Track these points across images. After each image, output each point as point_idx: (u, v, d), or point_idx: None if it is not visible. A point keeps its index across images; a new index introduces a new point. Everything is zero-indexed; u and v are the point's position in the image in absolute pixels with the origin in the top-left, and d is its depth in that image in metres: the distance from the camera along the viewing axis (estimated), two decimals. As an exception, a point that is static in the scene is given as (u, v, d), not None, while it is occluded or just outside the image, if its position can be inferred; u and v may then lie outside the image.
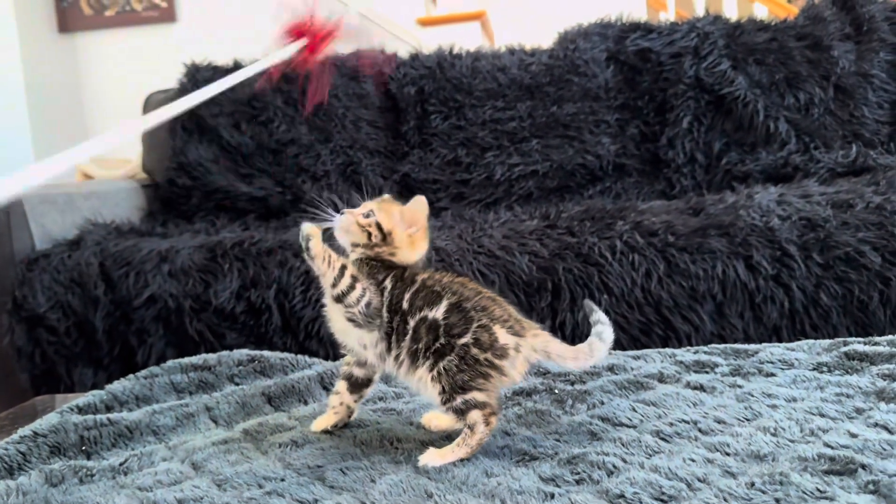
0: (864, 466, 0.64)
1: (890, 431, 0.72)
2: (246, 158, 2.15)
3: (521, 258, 1.55)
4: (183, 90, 2.23)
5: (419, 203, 0.81)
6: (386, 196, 0.84)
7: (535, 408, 0.86)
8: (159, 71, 3.26)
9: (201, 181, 2.15)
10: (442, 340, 0.73)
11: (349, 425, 0.85)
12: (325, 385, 1.00)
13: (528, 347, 0.74)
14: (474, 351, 0.72)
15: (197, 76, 2.25)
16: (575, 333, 1.51)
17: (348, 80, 2.20)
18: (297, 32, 0.82)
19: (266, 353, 1.09)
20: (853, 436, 0.72)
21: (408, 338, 0.75)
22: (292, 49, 0.81)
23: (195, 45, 3.53)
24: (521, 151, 2.18)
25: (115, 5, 3.66)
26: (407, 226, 0.81)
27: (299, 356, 1.10)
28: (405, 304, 0.76)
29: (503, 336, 0.73)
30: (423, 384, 0.75)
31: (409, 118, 2.19)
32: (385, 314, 0.77)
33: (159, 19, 3.64)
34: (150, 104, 2.34)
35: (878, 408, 0.78)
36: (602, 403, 0.86)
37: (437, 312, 0.74)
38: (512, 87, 2.23)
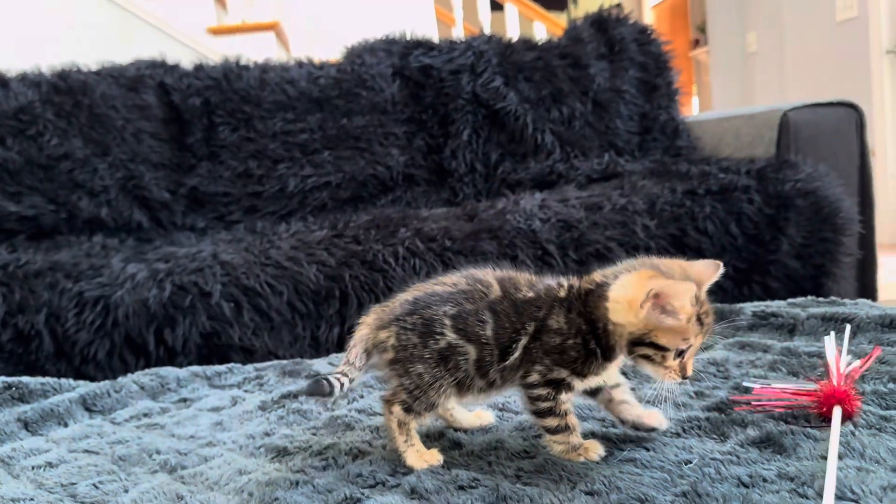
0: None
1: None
2: (13, 175, 1.99)
3: (308, 268, 1.59)
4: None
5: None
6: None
7: (299, 408, 0.91)
8: None
9: (-39, 202, 1.97)
10: None
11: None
12: (88, 406, 0.98)
13: None
14: None
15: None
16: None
17: (127, 90, 2.12)
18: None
19: (25, 378, 1.05)
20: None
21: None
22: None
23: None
24: (313, 163, 2.22)
25: None
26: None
27: (63, 380, 1.07)
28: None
29: None
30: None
31: (194, 130, 2.15)
32: None
33: None
34: None
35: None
36: (362, 397, 0.93)
37: None
38: (301, 99, 2.26)
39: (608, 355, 0.70)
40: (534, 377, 0.71)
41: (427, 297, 0.73)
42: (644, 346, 0.68)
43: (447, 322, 0.71)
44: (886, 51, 3.79)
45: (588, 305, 0.70)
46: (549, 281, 0.74)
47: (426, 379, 0.71)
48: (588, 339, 0.70)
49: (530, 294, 0.72)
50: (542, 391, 0.71)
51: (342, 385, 0.74)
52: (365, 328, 0.76)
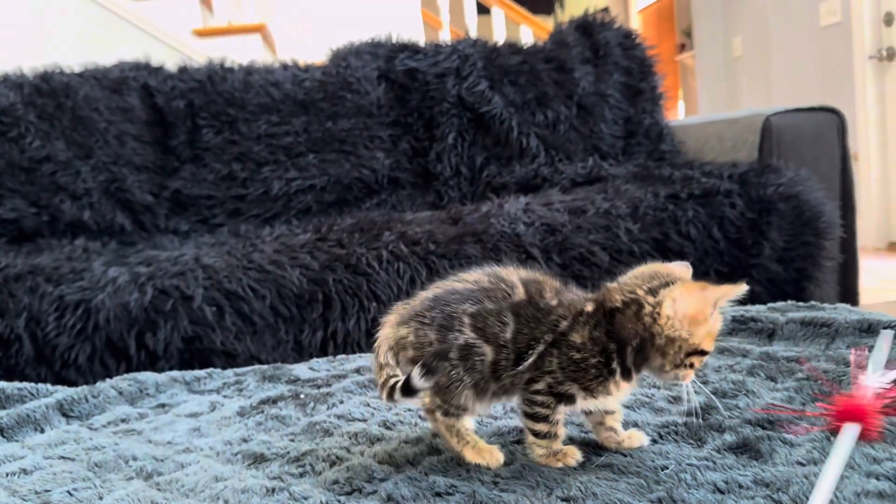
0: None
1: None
2: (-7, 178, 1.98)
3: (291, 271, 1.59)
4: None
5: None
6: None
7: (277, 414, 0.91)
8: None
9: (-60, 204, 1.95)
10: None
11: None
12: (65, 412, 0.97)
13: None
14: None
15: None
16: (347, 342, 1.57)
17: (110, 92, 2.11)
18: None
19: (2, 383, 1.04)
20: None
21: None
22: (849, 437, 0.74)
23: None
24: (298, 166, 2.22)
25: None
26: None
27: (41, 385, 1.05)
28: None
29: None
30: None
31: (178, 132, 2.14)
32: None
33: None
34: None
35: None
36: (341, 402, 0.93)
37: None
38: (286, 101, 2.26)
39: (628, 375, 0.70)
40: (541, 385, 0.69)
41: (447, 294, 0.72)
42: (697, 354, 0.68)
43: (466, 320, 0.70)
44: (869, 56, 3.82)
45: (615, 324, 0.69)
46: (574, 294, 0.73)
47: (443, 381, 0.70)
48: (612, 357, 0.69)
49: (554, 302, 0.71)
50: (546, 399, 0.70)
51: (396, 385, 0.70)
52: (387, 327, 0.74)
